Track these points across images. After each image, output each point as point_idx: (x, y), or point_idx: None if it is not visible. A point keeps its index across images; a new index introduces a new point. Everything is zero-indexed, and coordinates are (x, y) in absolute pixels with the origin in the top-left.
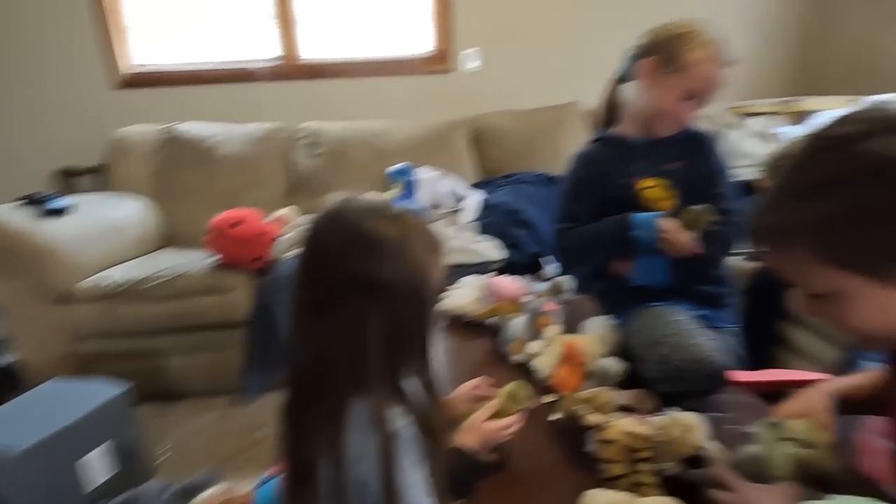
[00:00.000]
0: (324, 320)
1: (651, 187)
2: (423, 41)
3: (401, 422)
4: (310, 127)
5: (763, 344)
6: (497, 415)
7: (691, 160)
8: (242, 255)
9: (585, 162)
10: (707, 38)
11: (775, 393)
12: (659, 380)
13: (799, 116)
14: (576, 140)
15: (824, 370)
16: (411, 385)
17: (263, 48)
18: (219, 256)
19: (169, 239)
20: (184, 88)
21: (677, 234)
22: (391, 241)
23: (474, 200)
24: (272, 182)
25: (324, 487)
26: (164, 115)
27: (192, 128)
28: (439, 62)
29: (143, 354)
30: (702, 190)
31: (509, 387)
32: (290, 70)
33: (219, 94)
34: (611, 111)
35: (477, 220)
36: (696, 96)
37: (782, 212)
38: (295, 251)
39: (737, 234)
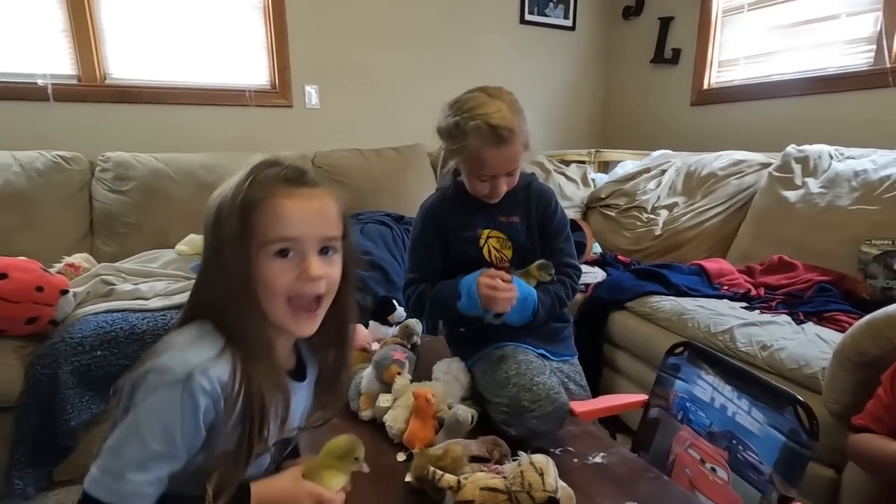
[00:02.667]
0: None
1: (490, 238)
2: (253, 73)
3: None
4: (114, 157)
5: (594, 368)
6: (319, 477)
7: (527, 214)
8: (10, 315)
9: (428, 214)
10: (482, 124)
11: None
12: (507, 422)
13: (605, 165)
14: (421, 180)
15: (644, 390)
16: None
17: (54, 63)
18: None
19: None
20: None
21: (497, 290)
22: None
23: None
24: (58, 223)
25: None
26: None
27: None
28: (276, 96)
29: None
30: (542, 243)
31: (334, 443)
32: (91, 91)
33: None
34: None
35: None
36: (488, 177)
37: None
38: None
39: (577, 284)
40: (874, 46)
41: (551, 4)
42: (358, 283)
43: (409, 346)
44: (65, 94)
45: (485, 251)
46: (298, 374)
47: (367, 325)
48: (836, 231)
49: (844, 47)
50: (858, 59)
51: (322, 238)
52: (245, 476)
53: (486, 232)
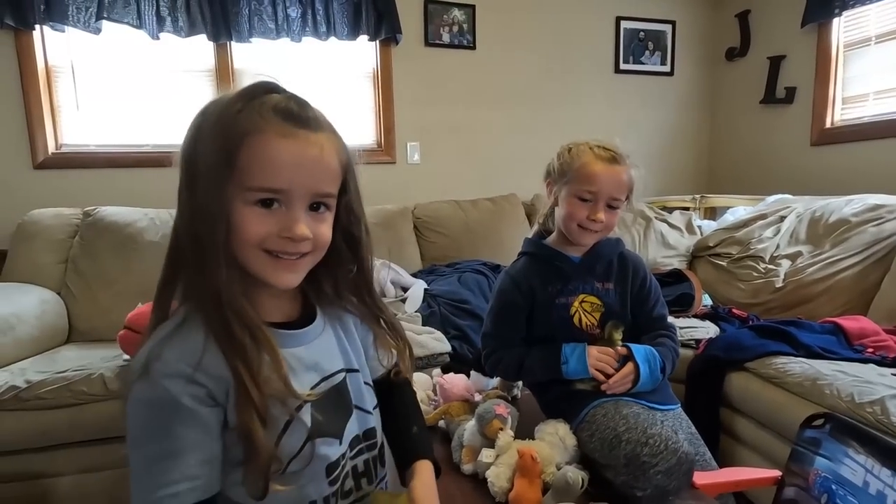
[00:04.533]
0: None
1: (583, 304)
2: (363, 133)
3: (159, 366)
4: None
5: (710, 434)
6: None
7: (623, 282)
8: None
9: (515, 285)
10: (593, 146)
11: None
12: (631, 483)
13: (712, 211)
14: (516, 228)
15: (771, 463)
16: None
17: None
18: (128, 357)
19: (77, 335)
20: (107, 171)
21: (605, 361)
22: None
23: (418, 289)
24: None
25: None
26: (85, 199)
27: (114, 212)
28: (382, 153)
29: (27, 475)
30: (634, 309)
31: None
32: None
33: (144, 177)
34: (546, 223)
35: (420, 310)
36: (591, 196)
37: None
38: None
39: (677, 347)
40: None
41: (647, 52)
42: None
43: (510, 399)
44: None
45: (575, 318)
46: (306, 320)
47: (468, 375)
48: None
49: None
50: None
51: (314, 193)
52: (282, 451)
53: (580, 297)
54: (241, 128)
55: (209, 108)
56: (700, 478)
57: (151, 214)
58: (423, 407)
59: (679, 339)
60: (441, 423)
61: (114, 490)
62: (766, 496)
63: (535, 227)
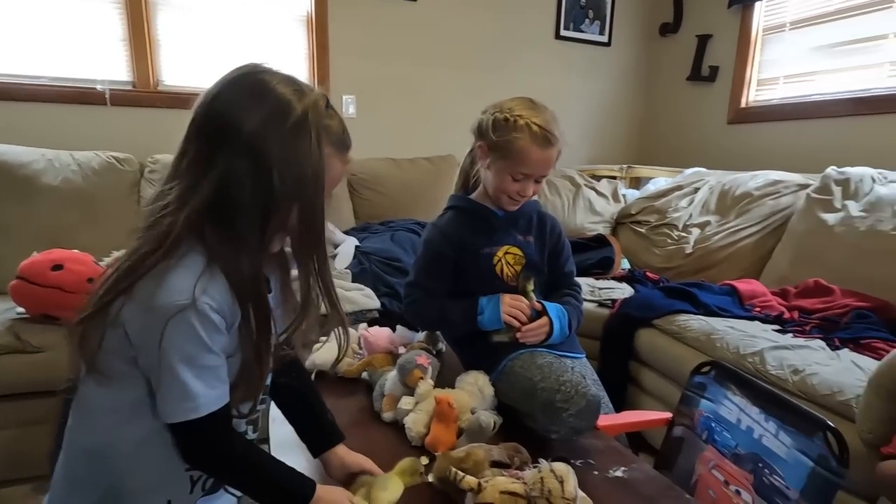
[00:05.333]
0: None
1: (507, 255)
2: None
3: (206, 299)
4: (162, 160)
5: (619, 384)
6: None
7: (542, 236)
8: (64, 305)
9: (443, 237)
10: (531, 123)
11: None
12: (548, 428)
13: (636, 181)
14: (453, 190)
15: (669, 408)
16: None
17: (112, 70)
18: (21, 309)
19: None
20: (5, 105)
21: (517, 308)
22: (295, 110)
23: (348, 247)
24: (112, 220)
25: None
26: None
27: (5, 151)
28: None
29: None
30: (550, 265)
31: (402, 464)
32: (144, 97)
33: (49, 114)
34: (467, 176)
35: (351, 267)
36: (525, 177)
37: None
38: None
39: (581, 306)
40: None
41: (587, 21)
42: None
43: (435, 353)
44: (121, 99)
45: (497, 268)
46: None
47: (394, 329)
48: (877, 256)
49: (892, 68)
50: None
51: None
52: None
53: (504, 248)
54: (320, 161)
55: (269, 105)
56: (602, 420)
57: (49, 156)
58: (346, 360)
59: (597, 298)
60: (364, 374)
61: (17, 447)
62: (660, 435)
63: (457, 181)
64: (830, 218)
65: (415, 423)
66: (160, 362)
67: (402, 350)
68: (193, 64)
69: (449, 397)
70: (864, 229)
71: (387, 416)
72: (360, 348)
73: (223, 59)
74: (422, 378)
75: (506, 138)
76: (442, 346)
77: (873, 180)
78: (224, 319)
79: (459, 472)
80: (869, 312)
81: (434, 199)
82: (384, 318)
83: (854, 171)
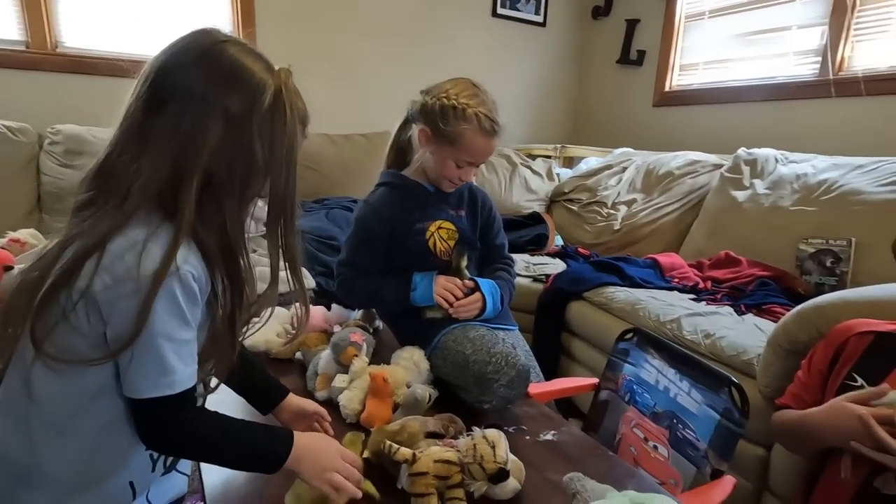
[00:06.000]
0: (161, 123)
1: (440, 230)
2: None
3: (188, 267)
4: (65, 130)
5: (552, 355)
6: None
7: (473, 211)
8: None
9: (374, 213)
10: (479, 114)
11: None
12: (479, 399)
13: (570, 161)
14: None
15: (598, 375)
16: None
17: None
18: None
19: None
20: None
21: (449, 289)
22: (270, 88)
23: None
24: (3, 197)
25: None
26: None
27: None
28: None
29: None
30: (482, 238)
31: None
32: (41, 59)
33: None
34: (399, 152)
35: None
36: (469, 163)
37: None
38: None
39: (513, 280)
40: (820, 58)
41: (523, 0)
42: (322, 268)
43: (371, 331)
44: (11, 60)
45: (430, 243)
46: None
47: (329, 309)
48: (778, 230)
49: (795, 58)
50: (806, 69)
51: None
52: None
53: (436, 223)
54: (294, 136)
55: (256, 83)
56: (533, 388)
57: None
58: (279, 340)
59: (532, 274)
60: (298, 354)
61: None
62: (589, 400)
63: (388, 157)
64: (740, 195)
65: (349, 400)
66: (136, 333)
67: (336, 329)
68: (99, 24)
69: (384, 372)
70: (768, 205)
71: (320, 394)
72: (293, 328)
73: (135, 21)
74: (356, 355)
75: (453, 129)
76: (379, 323)
77: (776, 161)
78: (201, 289)
79: (394, 445)
80: (770, 281)
81: (370, 177)
82: (320, 297)
83: (760, 153)
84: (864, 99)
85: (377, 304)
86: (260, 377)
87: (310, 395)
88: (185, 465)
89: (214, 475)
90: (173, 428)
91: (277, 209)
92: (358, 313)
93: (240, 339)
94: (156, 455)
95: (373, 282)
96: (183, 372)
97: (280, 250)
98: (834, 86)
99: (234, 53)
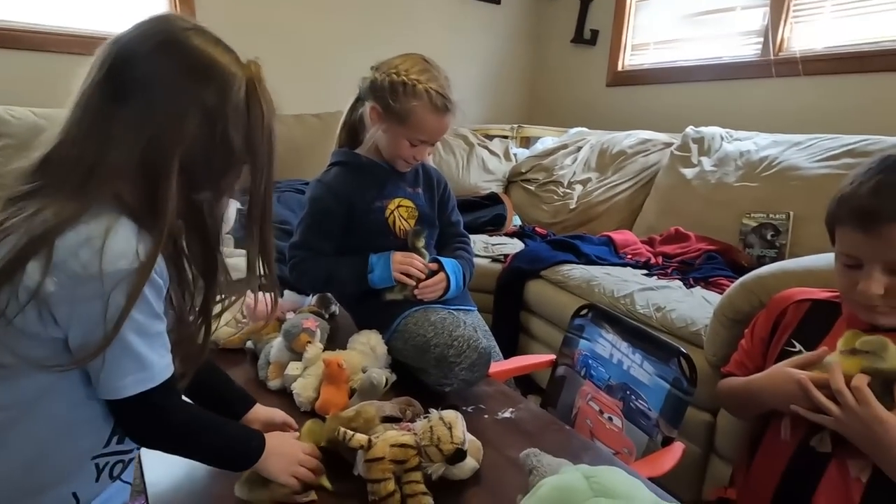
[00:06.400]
0: (126, 111)
1: (399, 208)
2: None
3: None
4: None
5: (512, 334)
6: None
7: (430, 188)
8: None
9: (329, 193)
10: (430, 90)
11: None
12: (440, 382)
13: (526, 141)
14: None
15: (556, 352)
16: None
17: None
18: None
19: None
20: None
21: (408, 264)
22: (237, 78)
23: (230, 210)
24: None
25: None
26: None
27: None
28: None
29: None
30: (438, 217)
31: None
32: None
33: None
34: (350, 131)
35: (233, 232)
36: (422, 141)
37: None
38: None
39: (472, 258)
40: (762, 39)
41: None
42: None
43: (327, 316)
44: None
45: (390, 220)
46: None
47: (282, 294)
48: (723, 205)
49: (739, 38)
50: (749, 50)
51: None
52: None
53: (395, 201)
54: (271, 125)
55: (227, 77)
56: (492, 367)
57: None
58: (229, 329)
59: (491, 254)
60: (248, 343)
61: None
62: (547, 376)
63: (339, 136)
64: (688, 173)
65: (303, 388)
66: (106, 334)
67: (290, 316)
68: None
69: (339, 358)
70: (714, 182)
71: (273, 384)
72: (244, 317)
73: None
74: (310, 342)
75: (403, 105)
76: (335, 308)
77: (722, 139)
78: (164, 283)
79: (348, 432)
80: (717, 255)
81: (323, 159)
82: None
83: (707, 131)
84: (802, 78)
85: (333, 286)
86: (226, 386)
87: (262, 385)
88: (129, 474)
89: (159, 479)
90: (154, 420)
91: (255, 200)
92: (313, 299)
93: (213, 333)
94: (102, 463)
95: (328, 264)
96: (160, 363)
97: (257, 240)
98: (774, 66)
99: (201, 45)
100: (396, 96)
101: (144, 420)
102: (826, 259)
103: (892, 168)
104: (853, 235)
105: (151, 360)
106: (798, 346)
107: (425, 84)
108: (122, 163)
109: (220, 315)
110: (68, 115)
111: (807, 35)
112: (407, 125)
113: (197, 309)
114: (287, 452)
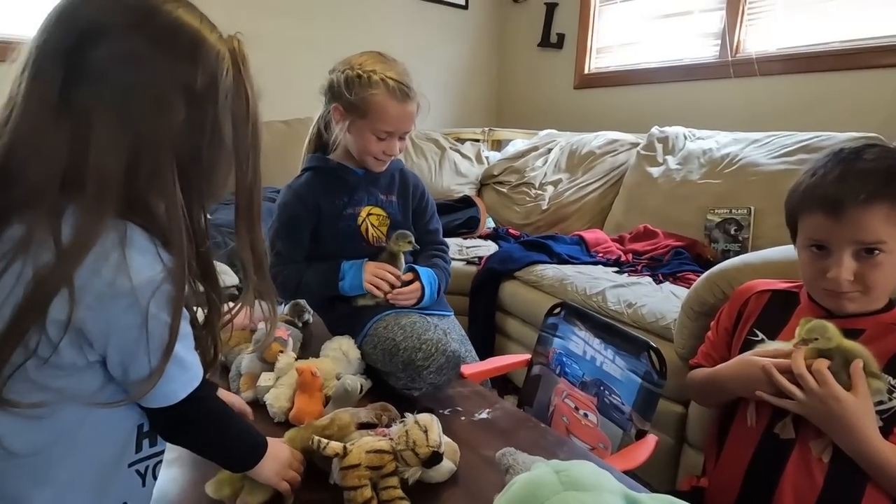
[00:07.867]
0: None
1: (371, 216)
2: None
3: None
4: None
5: (488, 335)
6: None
7: (404, 195)
8: None
9: (299, 199)
10: (386, 78)
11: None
12: (408, 386)
13: (498, 143)
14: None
15: (530, 350)
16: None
17: None
18: None
19: None
20: None
21: (380, 276)
22: (224, 57)
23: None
24: None
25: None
26: None
27: None
28: None
29: None
30: (415, 225)
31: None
32: None
33: None
34: (318, 137)
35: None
36: (390, 134)
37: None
38: None
39: (449, 267)
40: (720, 41)
41: None
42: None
43: (301, 325)
44: None
45: (362, 228)
46: None
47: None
48: (688, 202)
49: (698, 40)
50: (709, 51)
51: None
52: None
53: (367, 209)
54: (259, 113)
55: (216, 56)
56: (467, 369)
57: None
58: None
59: (465, 257)
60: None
61: None
62: (523, 375)
63: (307, 148)
64: (654, 171)
65: (276, 398)
66: (149, 345)
67: (261, 326)
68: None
69: (311, 366)
70: (679, 179)
71: (246, 395)
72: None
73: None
74: (282, 351)
75: (361, 96)
76: (308, 317)
77: (685, 138)
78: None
79: (322, 440)
80: (684, 250)
81: (293, 166)
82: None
83: (671, 130)
84: (758, 78)
85: (303, 293)
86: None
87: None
88: None
89: (160, 478)
90: (197, 418)
91: (245, 197)
92: (285, 308)
93: (220, 344)
94: (142, 469)
95: (298, 271)
96: (195, 361)
97: (248, 241)
98: (732, 66)
99: (182, 16)
100: (352, 89)
101: (187, 418)
102: (783, 251)
103: (852, 159)
104: (822, 222)
105: (189, 360)
106: (760, 336)
107: (381, 73)
108: (104, 164)
109: (224, 326)
110: (11, 114)
111: (761, 37)
112: (368, 117)
113: (201, 322)
114: (280, 456)
